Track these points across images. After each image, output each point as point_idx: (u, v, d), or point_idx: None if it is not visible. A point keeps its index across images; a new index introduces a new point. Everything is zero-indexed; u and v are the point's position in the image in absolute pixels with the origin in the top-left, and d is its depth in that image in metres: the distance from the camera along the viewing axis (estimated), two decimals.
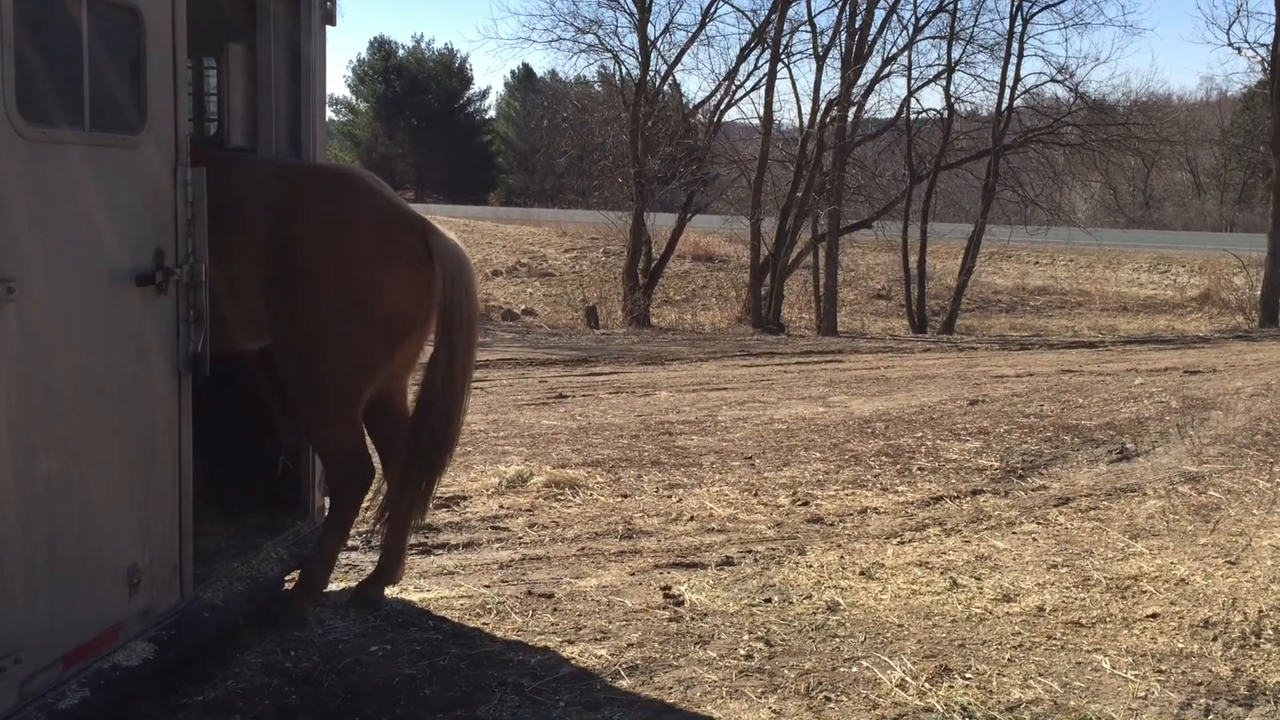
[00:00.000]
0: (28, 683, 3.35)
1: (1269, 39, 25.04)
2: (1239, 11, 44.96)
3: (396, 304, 4.66)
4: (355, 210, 4.66)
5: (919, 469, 8.10)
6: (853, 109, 26.52)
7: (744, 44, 27.37)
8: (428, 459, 4.87)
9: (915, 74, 27.40)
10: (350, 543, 5.94)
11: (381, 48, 57.90)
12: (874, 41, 26.53)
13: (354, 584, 5.46)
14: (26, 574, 3.32)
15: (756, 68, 27.29)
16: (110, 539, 3.71)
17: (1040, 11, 27.28)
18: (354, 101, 58.24)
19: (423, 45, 59.42)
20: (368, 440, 4.95)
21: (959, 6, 26.84)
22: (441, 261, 4.72)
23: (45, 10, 3.37)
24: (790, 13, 26.03)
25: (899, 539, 6.36)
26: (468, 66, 59.16)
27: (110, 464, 3.68)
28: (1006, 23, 27.13)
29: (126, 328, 3.72)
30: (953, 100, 27.17)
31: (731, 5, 32.44)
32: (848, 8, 25.98)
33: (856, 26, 26.07)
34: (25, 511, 3.30)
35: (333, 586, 5.40)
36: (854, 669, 4.48)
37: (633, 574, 5.70)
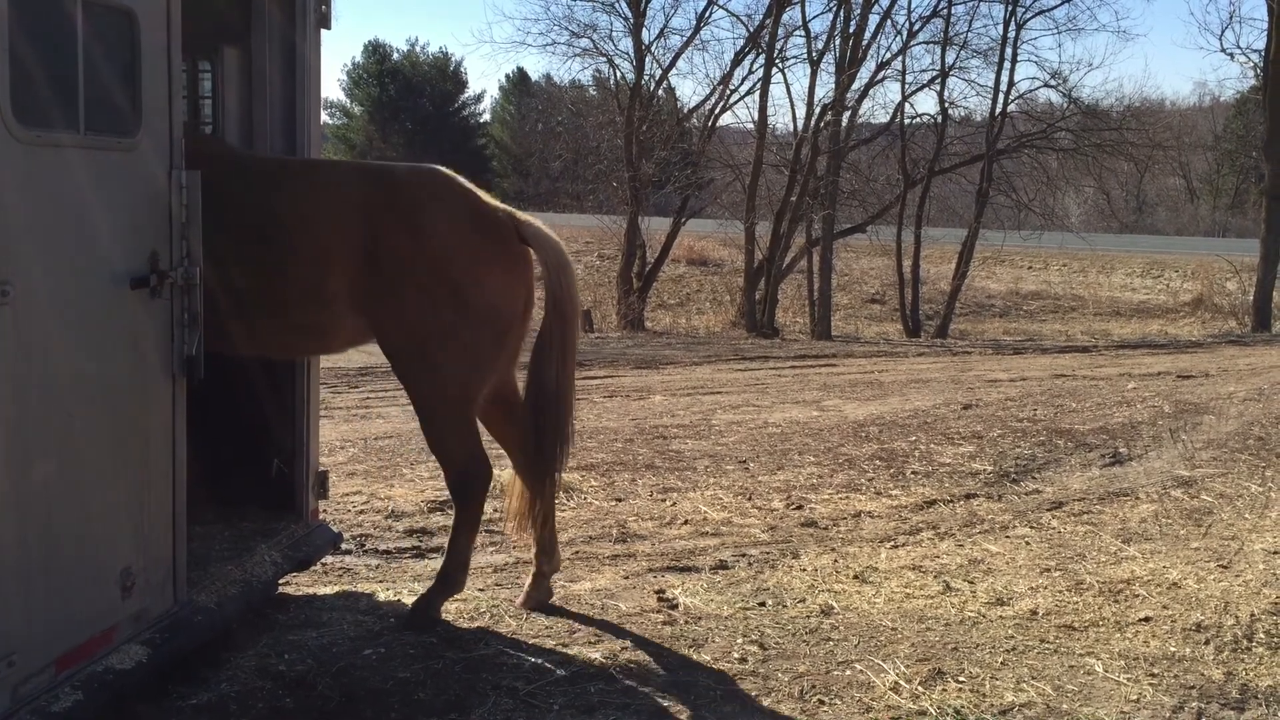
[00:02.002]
0: (21, 685, 3.34)
1: (1261, 45, 25.13)
2: (1231, 17, 44.96)
3: (499, 298, 4.68)
4: (451, 207, 4.67)
5: (912, 473, 8.11)
6: (847, 113, 26.56)
7: (738, 48, 27.39)
8: (554, 453, 4.90)
9: (909, 79, 27.43)
10: (344, 546, 5.95)
11: (376, 51, 57.91)
12: (868, 46, 26.57)
13: (348, 587, 5.46)
14: (20, 576, 3.32)
15: (751, 72, 27.33)
16: (104, 542, 3.71)
17: (1034, 17, 27.35)
18: (349, 105, 58.23)
19: (417, 49, 59.48)
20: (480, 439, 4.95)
21: (953, 12, 26.91)
22: (542, 250, 4.78)
23: (40, 12, 3.37)
24: (785, 17, 26.06)
25: (892, 543, 6.37)
26: (462, 70, 59.19)
27: (104, 467, 3.68)
28: (1000, 28, 27.19)
29: (121, 330, 3.72)
30: (946, 105, 27.21)
31: (726, 10, 32.49)
32: (842, 12, 26.02)
33: (851, 31, 26.09)
34: (19, 514, 3.30)
35: (326, 590, 5.40)
36: (848, 672, 4.48)
37: (627, 577, 5.70)
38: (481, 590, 5.42)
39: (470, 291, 4.59)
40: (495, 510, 6.87)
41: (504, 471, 5.40)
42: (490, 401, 5.03)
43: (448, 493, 7.13)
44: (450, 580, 4.96)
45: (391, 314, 4.58)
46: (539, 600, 5.17)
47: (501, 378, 5.01)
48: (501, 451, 5.29)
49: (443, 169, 4.87)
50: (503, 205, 4.88)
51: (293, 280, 4.57)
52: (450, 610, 5.10)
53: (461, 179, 4.85)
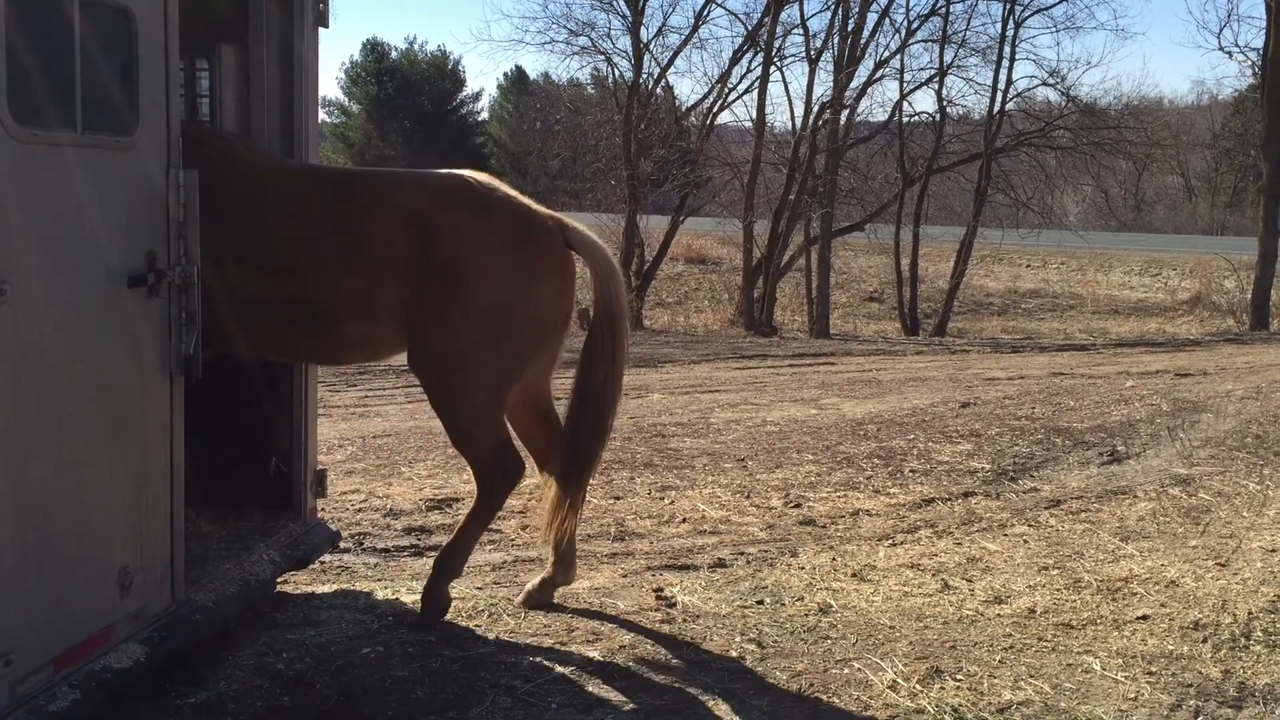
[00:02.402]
0: (19, 684, 3.34)
1: (1259, 43, 25.12)
2: (1230, 16, 45.31)
3: (545, 307, 4.69)
4: (500, 217, 4.65)
5: (911, 471, 8.11)
6: (845, 112, 26.57)
7: (737, 47, 27.40)
8: (591, 454, 4.92)
9: (908, 77, 27.45)
10: (343, 544, 5.94)
11: (374, 50, 57.86)
12: (866, 45, 26.59)
13: (346, 585, 5.46)
14: (18, 575, 3.32)
15: (749, 70, 27.33)
16: (102, 541, 3.71)
17: (1032, 15, 27.36)
18: (347, 103, 58.19)
19: (415, 47, 59.44)
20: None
21: (951, 10, 26.95)
22: (590, 257, 4.78)
23: (37, 11, 3.37)
24: (783, 16, 26.06)
25: (891, 541, 6.38)
26: (461, 68, 59.18)
27: (102, 466, 3.68)
28: (998, 26, 27.24)
29: (119, 330, 3.72)
30: (945, 103, 27.23)
31: (724, 8, 32.44)
32: (840, 11, 26.03)
33: (849, 30, 26.10)
34: (17, 513, 3.30)
35: (324, 588, 5.40)
36: (846, 670, 4.48)
37: (625, 576, 5.70)
38: (480, 589, 5.43)
39: (517, 303, 4.60)
40: None
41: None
42: (525, 411, 5.05)
43: (443, 491, 7.17)
44: (451, 565, 4.92)
45: (437, 324, 4.55)
46: (539, 601, 5.17)
47: (539, 388, 5.03)
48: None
49: (486, 176, 4.86)
50: (550, 212, 4.87)
51: (343, 293, 4.55)
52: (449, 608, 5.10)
53: (504, 186, 4.84)
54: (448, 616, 4.98)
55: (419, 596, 5.26)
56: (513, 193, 4.81)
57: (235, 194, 4.47)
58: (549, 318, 4.73)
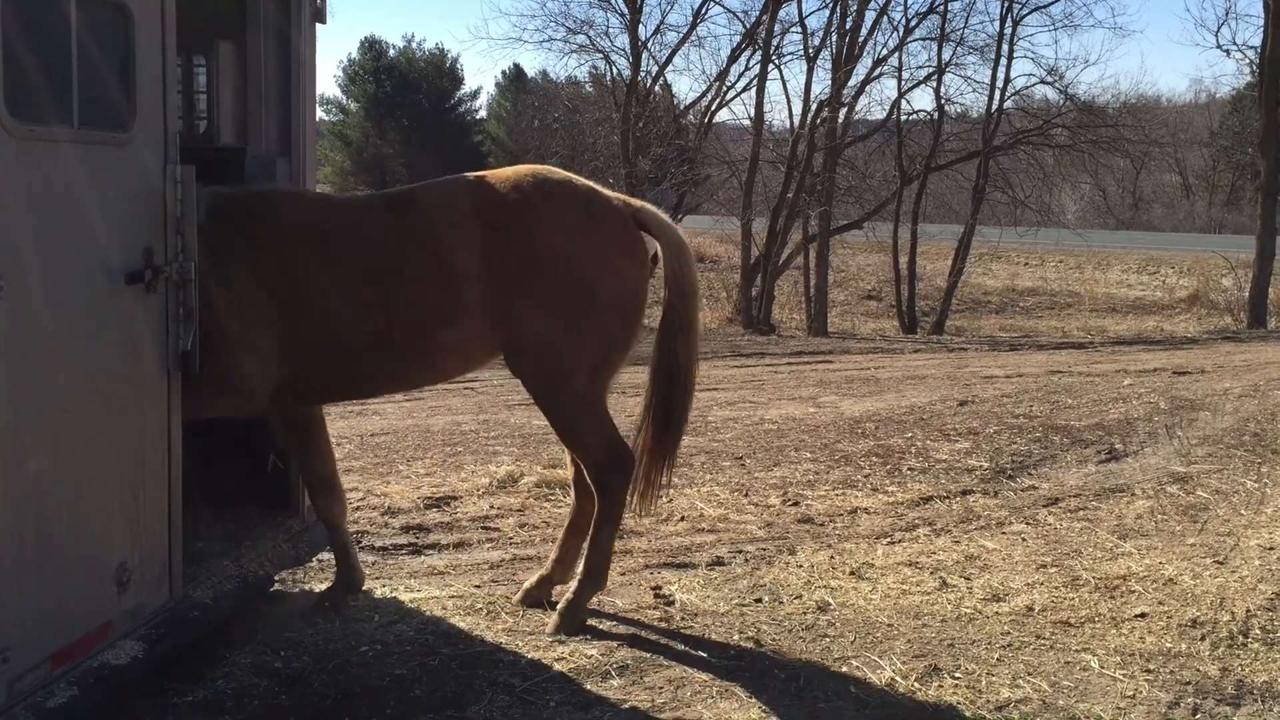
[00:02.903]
0: (16, 681, 3.34)
1: (1257, 41, 25.11)
2: (1227, 14, 45.29)
3: (623, 286, 4.69)
4: (569, 202, 4.68)
5: (909, 469, 8.11)
6: (843, 110, 26.56)
7: (735, 45, 27.43)
8: (680, 429, 4.96)
9: (906, 75, 27.44)
10: None
11: (372, 48, 57.76)
12: (865, 43, 26.57)
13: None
14: (15, 572, 3.32)
15: (747, 69, 27.35)
16: (100, 537, 3.70)
17: (1030, 13, 27.33)
18: (344, 101, 58.09)
19: (413, 45, 59.30)
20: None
21: (949, 8, 26.93)
22: (660, 234, 4.80)
23: (34, 7, 3.36)
24: (781, 14, 26.06)
25: (889, 539, 6.37)
26: (459, 67, 59.04)
27: (100, 462, 3.68)
28: (996, 24, 27.20)
29: (116, 326, 3.71)
30: (943, 102, 27.21)
31: (722, 6, 32.37)
32: (838, 9, 26.01)
33: (847, 28, 26.09)
34: (14, 509, 3.30)
35: (323, 586, 5.39)
36: (844, 668, 4.48)
37: (623, 574, 5.70)
38: (478, 586, 5.42)
39: (596, 283, 4.61)
40: (492, 507, 6.88)
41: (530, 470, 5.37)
42: None
43: (441, 489, 7.16)
44: (597, 576, 4.90)
45: (521, 316, 4.57)
46: (535, 599, 5.16)
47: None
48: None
49: (549, 168, 4.88)
50: (616, 193, 4.89)
51: (427, 305, 4.55)
52: (446, 606, 5.10)
53: (566, 173, 4.87)
54: (447, 616, 4.98)
55: (415, 595, 5.27)
56: (577, 178, 4.84)
57: (313, 244, 4.55)
58: (629, 296, 4.72)
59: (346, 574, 5.16)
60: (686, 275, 4.86)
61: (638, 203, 4.88)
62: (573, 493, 5.18)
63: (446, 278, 4.53)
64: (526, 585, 5.22)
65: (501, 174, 4.77)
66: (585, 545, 5.00)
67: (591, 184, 4.84)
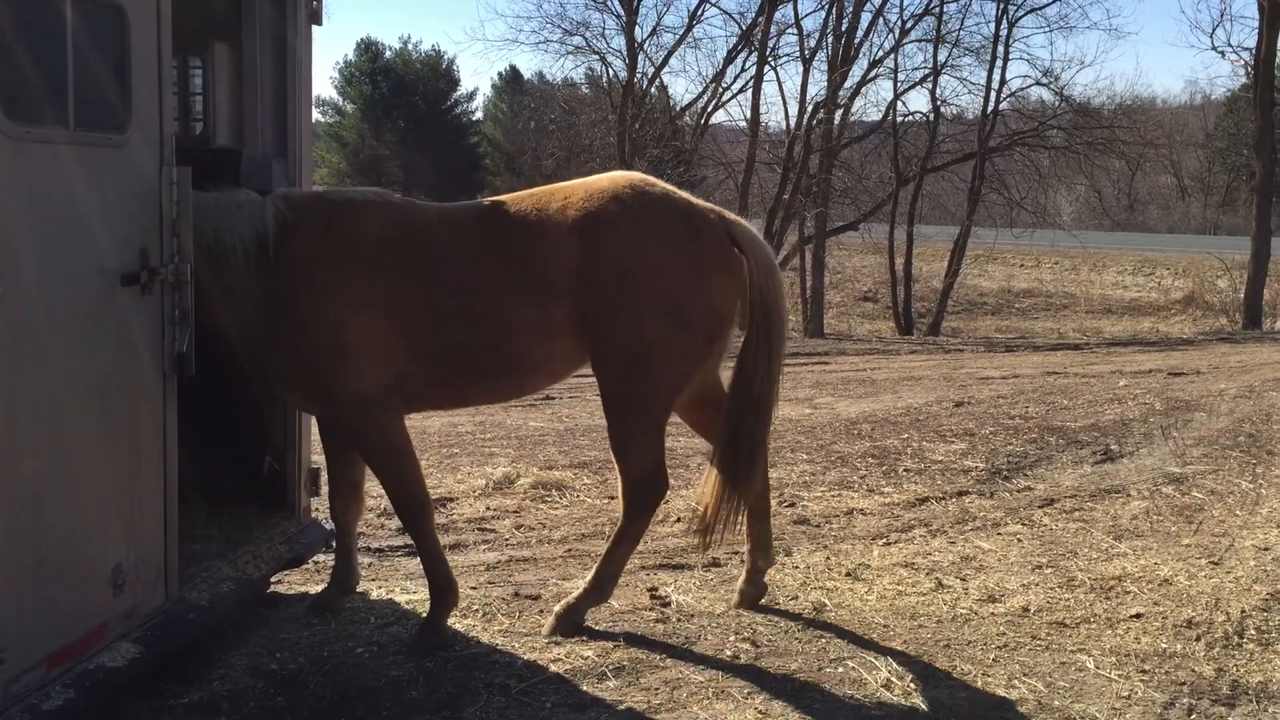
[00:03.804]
0: (12, 683, 3.33)
1: (1252, 43, 25.17)
2: (1222, 16, 45.36)
3: (715, 303, 4.65)
4: (665, 217, 4.63)
5: (905, 470, 8.12)
6: (839, 112, 26.61)
7: (731, 46, 27.47)
8: (754, 452, 4.89)
9: (901, 77, 27.51)
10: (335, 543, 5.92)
11: (368, 49, 57.68)
12: (860, 44, 26.65)
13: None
14: (10, 574, 3.31)
15: (743, 70, 27.41)
16: (95, 539, 3.70)
17: (1026, 15, 27.43)
18: (341, 103, 58.01)
19: (410, 47, 59.22)
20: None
21: (945, 10, 26.98)
22: (752, 252, 4.74)
23: (30, 8, 3.36)
24: (777, 15, 26.15)
25: (885, 540, 6.38)
26: (455, 68, 58.96)
27: (95, 464, 3.67)
28: (992, 26, 27.28)
29: (111, 327, 3.71)
30: (939, 103, 27.28)
31: (718, 8, 32.60)
32: (834, 11, 26.06)
33: (843, 29, 26.17)
34: (9, 511, 3.29)
35: (318, 588, 5.39)
36: (839, 669, 4.49)
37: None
38: (474, 588, 5.42)
39: (690, 300, 4.58)
40: (488, 509, 6.88)
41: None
42: (700, 404, 5.02)
43: (438, 491, 7.14)
44: (601, 588, 4.87)
45: (612, 330, 4.55)
46: (754, 597, 5.18)
47: (710, 376, 5.00)
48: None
49: (642, 176, 4.83)
50: (711, 206, 4.84)
51: (521, 321, 4.53)
52: None
53: (661, 183, 4.82)
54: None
55: (411, 597, 5.27)
56: (674, 190, 4.80)
57: (413, 256, 4.52)
58: (719, 312, 4.68)
59: (344, 575, 5.15)
60: (773, 298, 4.76)
61: (731, 216, 4.83)
62: (712, 481, 5.10)
63: (539, 295, 4.51)
64: (740, 586, 5.21)
65: (598, 185, 4.70)
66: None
67: (688, 196, 4.81)
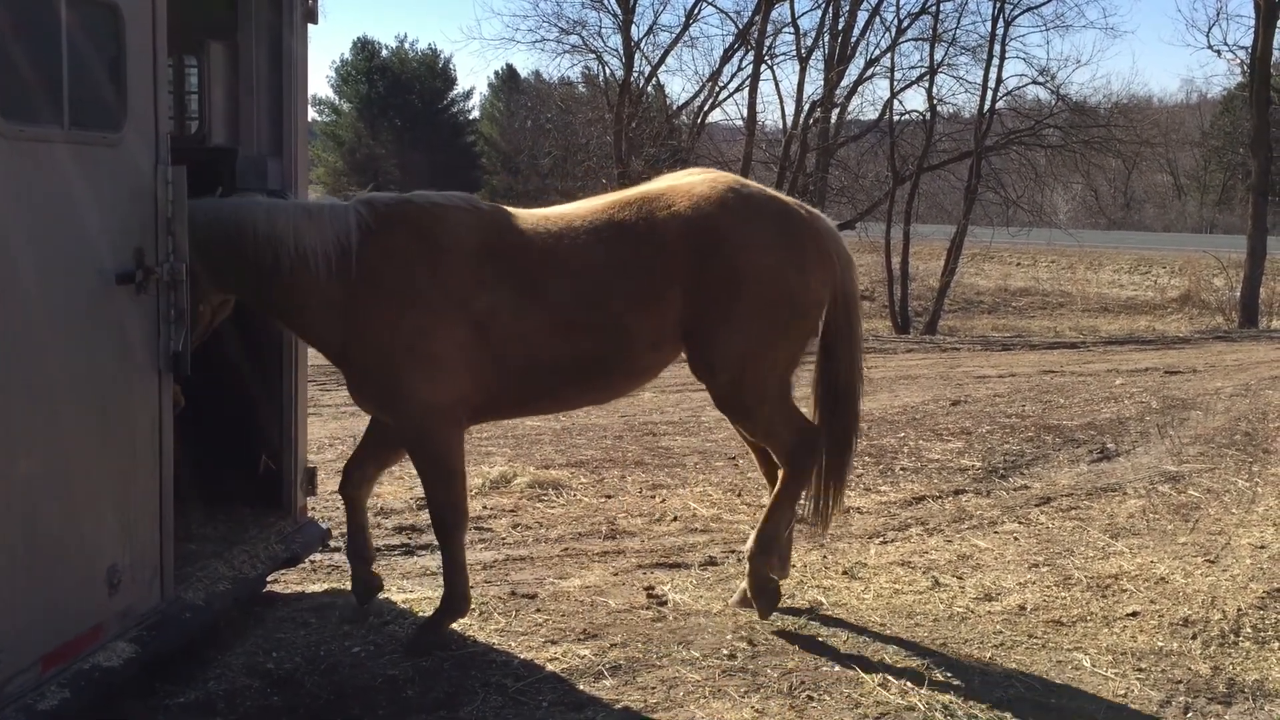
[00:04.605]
0: (7, 683, 3.33)
1: (1248, 42, 25.19)
2: (1218, 15, 45.44)
3: (815, 299, 4.77)
4: (770, 220, 4.72)
5: (901, 469, 8.12)
6: (836, 110, 26.63)
7: (727, 45, 27.46)
8: (849, 441, 5.03)
9: (898, 76, 27.51)
10: (333, 543, 5.93)
11: (365, 48, 57.61)
12: (857, 43, 26.67)
13: (336, 584, 5.45)
14: (5, 574, 3.31)
15: (740, 69, 27.40)
16: (90, 539, 3.69)
17: (1022, 14, 27.41)
18: (337, 102, 57.95)
19: (406, 46, 59.15)
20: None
21: (941, 9, 26.98)
22: (834, 244, 4.87)
23: (24, 7, 3.35)
24: (774, 14, 26.13)
25: (881, 538, 6.38)
26: (451, 67, 58.87)
27: (90, 463, 3.67)
28: (988, 25, 27.27)
29: (107, 326, 3.70)
30: (935, 102, 27.28)
31: (715, 7, 32.61)
32: (831, 10, 26.08)
33: (839, 28, 26.20)
34: (4, 510, 3.29)
35: (315, 587, 5.39)
36: (836, 668, 4.49)
37: (616, 574, 5.70)
38: (471, 587, 5.40)
39: (795, 299, 4.68)
40: (484, 508, 6.87)
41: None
42: None
43: None
44: (767, 545, 4.93)
45: (722, 335, 4.62)
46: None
47: None
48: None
49: (732, 176, 4.90)
50: (797, 201, 4.93)
51: (635, 328, 4.57)
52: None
53: (757, 184, 4.92)
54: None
55: (408, 596, 5.26)
56: (765, 188, 4.89)
57: (513, 267, 4.53)
58: (816, 304, 4.79)
59: (363, 550, 5.10)
60: (854, 290, 4.95)
61: (812, 210, 4.95)
62: (771, 489, 5.16)
63: (653, 302, 4.55)
64: (744, 587, 5.17)
65: (698, 189, 4.72)
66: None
67: (782, 195, 4.92)
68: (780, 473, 4.94)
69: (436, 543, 6.15)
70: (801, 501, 5.06)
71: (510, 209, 4.85)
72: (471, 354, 4.45)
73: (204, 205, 4.37)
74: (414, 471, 7.74)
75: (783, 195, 4.94)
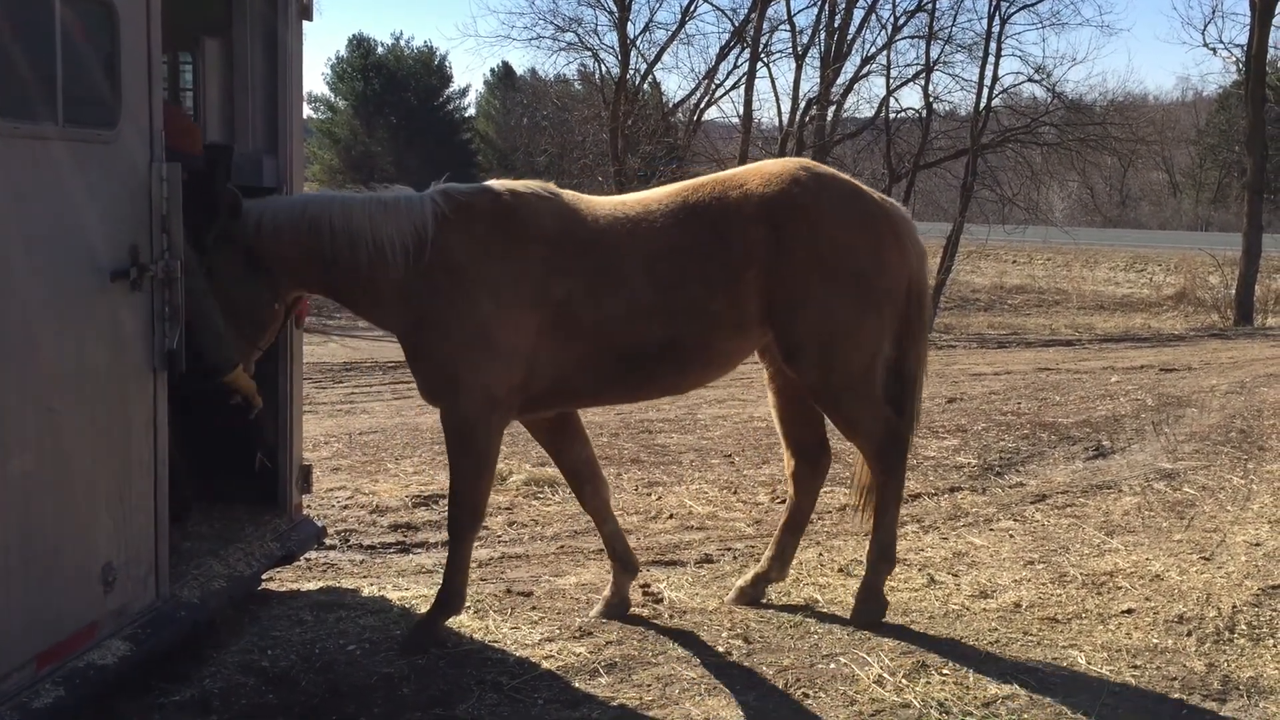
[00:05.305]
0: (1, 682, 3.32)
1: (1244, 39, 25.20)
2: (1214, 12, 45.45)
3: (892, 282, 4.74)
4: (845, 198, 4.72)
5: None
6: (832, 108, 26.63)
7: (724, 43, 27.43)
8: (911, 432, 5.02)
9: (894, 73, 27.45)
10: (328, 541, 5.93)
11: (360, 45, 57.51)
12: (853, 41, 26.62)
13: (332, 582, 5.44)
14: (0, 572, 3.30)
15: (736, 66, 27.37)
16: (85, 537, 3.69)
17: (1018, 11, 27.34)
18: (333, 99, 57.85)
19: (402, 43, 59.03)
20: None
21: (937, 6, 26.94)
22: (910, 233, 4.85)
23: (18, 4, 3.34)
24: (770, 12, 26.08)
25: None
26: (447, 64, 58.80)
27: (85, 461, 3.66)
28: (984, 22, 27.20)
29: (101, 324, 3.69)
30: (931, 99, 27.24)
31: (711, 4, 32.43)
32: (827, 7, 26.07)
33: (835, 26, 26.16)
34: None
35: (310, 585, 5.39)
36: (832, 665, 4.49)
37: (612, 572, 5.69)
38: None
39: (873, 279, 4.66)
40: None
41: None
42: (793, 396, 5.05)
43: (431, 487, 7.14)
44: (888, 554, 4.97)
45: (803, 317, 4.59)
46: (752, 599, 5.19)
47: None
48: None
49: (802, 160, 4.91)
50: (868, 188, 4.93)
51: (713, 313, 4.55)
52: None
53: (825, 167, 4.92)
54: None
55: (403, 594, 5.26)
56: (837, 172, 4.89)
57: (593, 254, 4.53)
58: (894, 291, 4.76)
59: (625, 557, 5.09)
60: (925, 283, 4.95)
61: (889, 198, 4.94)
62: (791, 489, 5.20)
63: (731, 287, 4.54)
64: (740, 584, 5.24)
65: (771, 169, 4.75)
66: (873, 521, 5.02)
67: (853, 179, 4.90)
68: (863, 469, 5.00)
69: (433, 541, 6.18)
70: (854, 492, 5.14)
71: (586, 196, 4.84)
72: (545, 343, 4.46)
73: (275, 204, 4.47)
74: (410, 470, 7.77)
75: (855, 180, 4.93)
